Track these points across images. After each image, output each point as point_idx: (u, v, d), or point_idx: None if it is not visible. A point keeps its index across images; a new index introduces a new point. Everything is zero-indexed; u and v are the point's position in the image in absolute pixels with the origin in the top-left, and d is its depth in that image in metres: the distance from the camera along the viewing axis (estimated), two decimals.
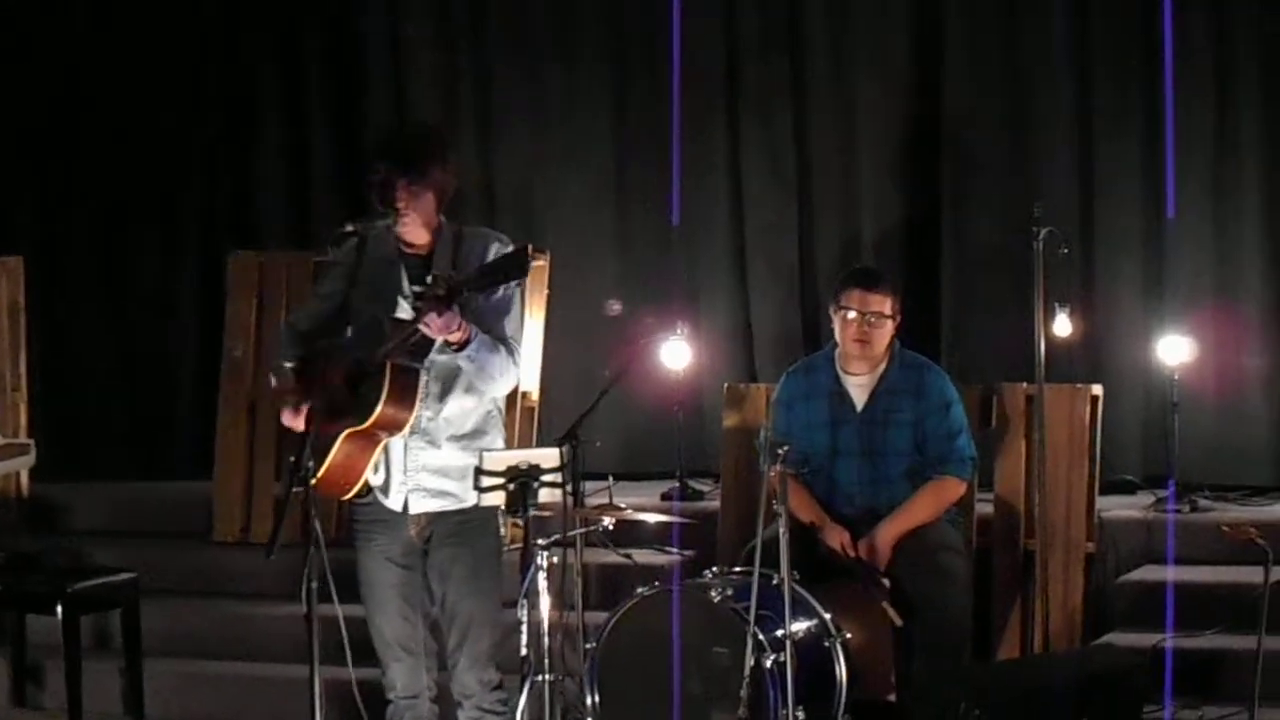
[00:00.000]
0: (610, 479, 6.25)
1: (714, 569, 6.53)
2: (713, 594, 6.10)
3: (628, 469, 8.15)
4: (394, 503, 5.98)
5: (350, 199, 8.62)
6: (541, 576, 5.92)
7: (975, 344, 8.37)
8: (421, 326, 5.62)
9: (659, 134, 8.56)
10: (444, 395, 5.93)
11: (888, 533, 6.57)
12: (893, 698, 6.43)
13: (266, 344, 8.05)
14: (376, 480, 5.97)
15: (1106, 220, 8.29)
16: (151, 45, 9.39)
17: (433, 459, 5.95)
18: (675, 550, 7.56)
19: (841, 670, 6.13)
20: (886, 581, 6.49)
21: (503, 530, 6.14)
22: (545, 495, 5.87)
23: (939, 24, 8.50)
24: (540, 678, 5.93)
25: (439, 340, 5.72)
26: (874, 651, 6.35)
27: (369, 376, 5.74)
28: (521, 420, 7.83)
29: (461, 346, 5.71)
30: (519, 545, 6.08)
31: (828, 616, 6.17)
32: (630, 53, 8.92)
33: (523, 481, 5.80)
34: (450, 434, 5.95)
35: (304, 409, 5.76)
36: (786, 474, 5.95)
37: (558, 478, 5.85)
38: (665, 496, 8.06)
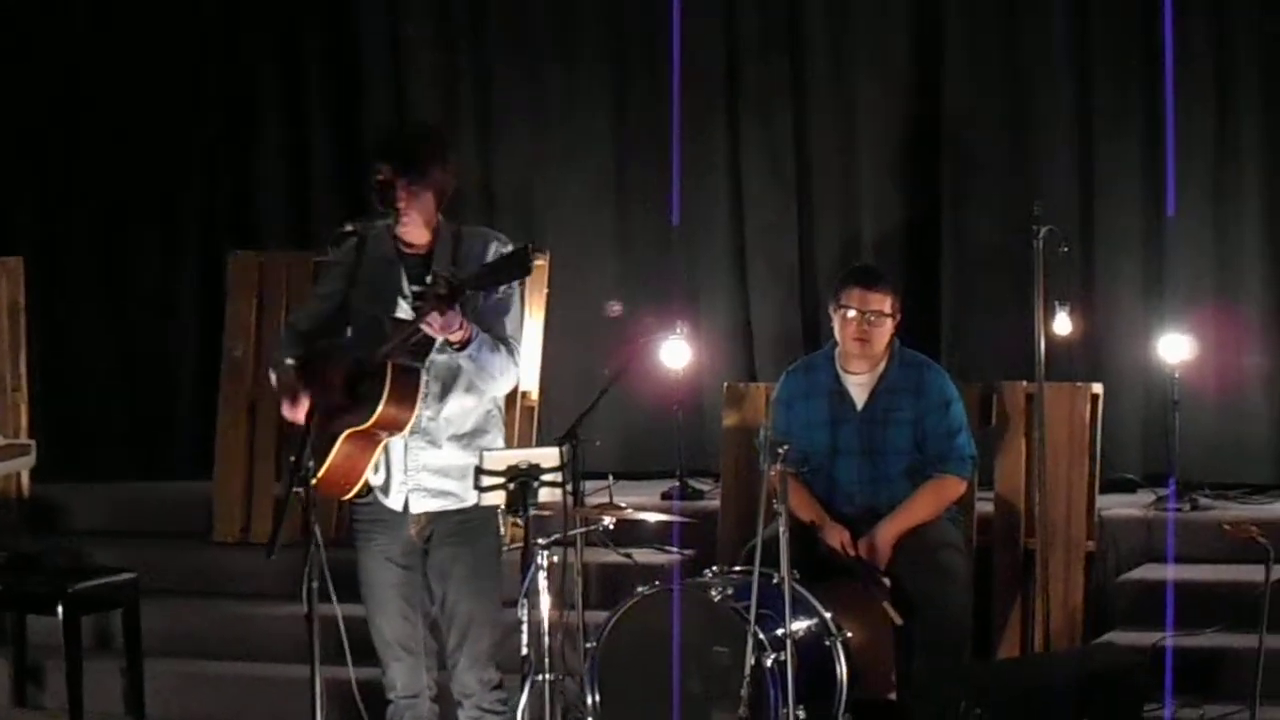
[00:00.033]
0: (610, 478, 6.25)
1: (714, 568, 6.54)
2: (713, 593, 6.10)
3: (628, 468, 8.13)
4: (394, 502, 5.98)
5: (350, 199, 8.63)
6: (542, 576, 5.92)
7: (975, 343, 8.37)
8: (423, 326, 5.62)
9: (659, 134, 8.56)
10: (444, 395, 5.93)
11: (888, 531, 6.58)
12: (893, 696, 6.44)
13: (266, 344, 8.05)
14: (377, 480, 5.97)
15: (1106, 219, 8.29)
16: (151, 45, 9.38)
17: (433, 459, 5.94)
18: (675, 549, 7.57)
19: (842, 669, 6.14)
20: (887, 580, 6.49)
21: (503, 530, 6.14)
22: (545, 495, 5.87)
23: (939, 24, 8.50)
24: (540, 677, 5.92)
25: (439, 340, 5.72)
26: (874, 650, 6.36)
27: (369, 376, 5.74)
28: (521, 420, 7.84)
29: (462, 346, 5.71)
30: (519, 545, 6.07)
31: (828, 615, 6.17)
32: (630, 53, 8.92)
33: (523, 481, 5.80)
34: (450, 433, 5.95)
35: (302, 398, 5.76)
36: (786, 473, 5.96)
37: (558, 477, 5.85)
38: (665, 496, 8.06)
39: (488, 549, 6.05)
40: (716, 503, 7.71)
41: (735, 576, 6.32)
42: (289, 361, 5.93)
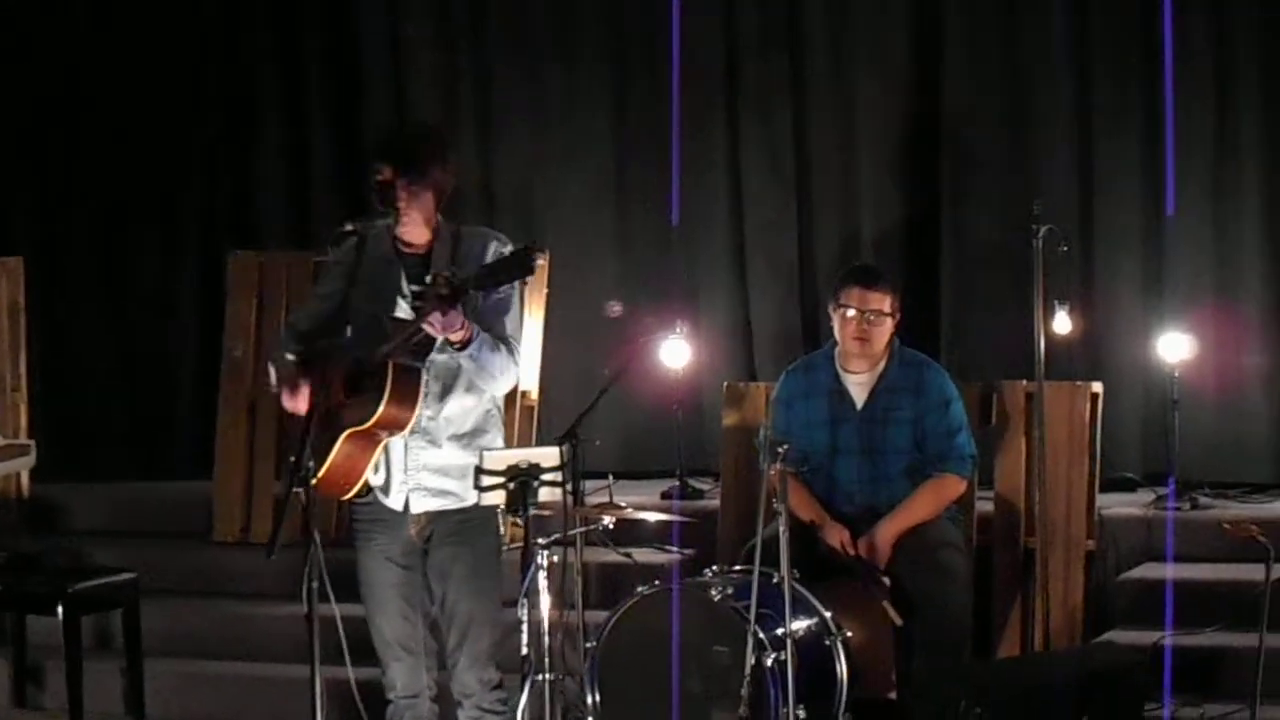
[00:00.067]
0: (610, 478, 6.24)
1: (714, 568, 6.54)
2: (713, 593, 6.10)
3: (628, 468, 8.13)
4: (394, 502, 5.98)
5: (350, 199, 8.63)
6: (541, 575, 5.92)
7: (975, 341, 8.37)
8: (424, 325, 5.62)
9: (659, 133, 8.56)
10: (444, 394, 5.92)
11: (888, 531, 6.57)
12: (893, 696, 6.44)
13: (266, 344, 8.04)
14: (377, 480, 5.97)
15: (1106, 218, 8.29)
16: (151, 45, 9.39)
17: (433, 458, 5.94)
18: (675, 549, 7.57)
19: (842, 668, 6.13)
20: (886, 580, 6.49)
21: (503, 529, 6.13)
22: (545, 494, 5.87)
23: (938, 21, 8.50)
24: (540, 677, 5.92)
25: (440, 339, 5.72)
26: (874, 649, 6.36)
27: (370, 376, 5.74)
28: (521, 419, 7.84)
29: (463, 346, 5.70)
30: (519, 544, 6.08)
31: (828, 615, 6.17)
32: (630, 52, 8.92)
33: (523, 480, 5.79)
34: (451, 433, 5.95)
35: (301, 388, 5.76)
36: (786, 472, 5.95)
37: (558, 477, 5.85)
38: (665, 495, 8.06)
39: (488, 549, 6.05)
40: (716, 502, 7.70)
41: (735, 576, 6.32)
42: (289, 356, 5.93)
